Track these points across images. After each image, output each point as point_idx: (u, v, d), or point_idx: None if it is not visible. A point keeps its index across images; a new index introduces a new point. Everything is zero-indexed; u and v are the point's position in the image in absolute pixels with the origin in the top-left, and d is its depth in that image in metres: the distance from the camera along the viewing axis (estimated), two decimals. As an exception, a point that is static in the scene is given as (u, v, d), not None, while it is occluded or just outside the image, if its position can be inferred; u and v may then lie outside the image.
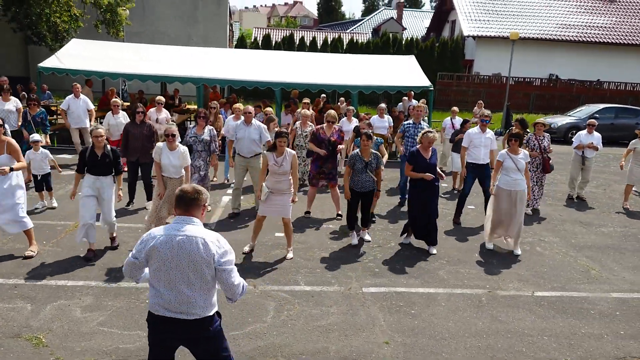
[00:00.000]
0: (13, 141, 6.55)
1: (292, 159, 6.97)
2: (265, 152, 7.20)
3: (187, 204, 3.33)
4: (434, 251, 7.53)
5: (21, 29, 17.23)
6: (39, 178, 8.60)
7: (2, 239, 7.17)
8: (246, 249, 7.22)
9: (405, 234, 7.86)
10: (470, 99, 26.26)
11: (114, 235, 7.16)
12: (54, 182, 9.41)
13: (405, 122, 9.62)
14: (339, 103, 17.64)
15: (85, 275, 6.22)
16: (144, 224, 7.29)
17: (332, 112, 9.24)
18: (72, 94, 11.96)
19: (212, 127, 8.87)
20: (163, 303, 3.31)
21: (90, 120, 12.13)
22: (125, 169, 9.15)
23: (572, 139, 10.96)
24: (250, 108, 9.00)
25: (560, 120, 20.38)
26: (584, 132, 10.73)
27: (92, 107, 12.24)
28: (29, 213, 7.20)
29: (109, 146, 6.79)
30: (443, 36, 33.81)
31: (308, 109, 11.63)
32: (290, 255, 7.15)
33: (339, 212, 8.98)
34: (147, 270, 3.47)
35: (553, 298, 6.21)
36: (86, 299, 5.65)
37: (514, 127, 9.44)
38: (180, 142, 8.97)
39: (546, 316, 5.74)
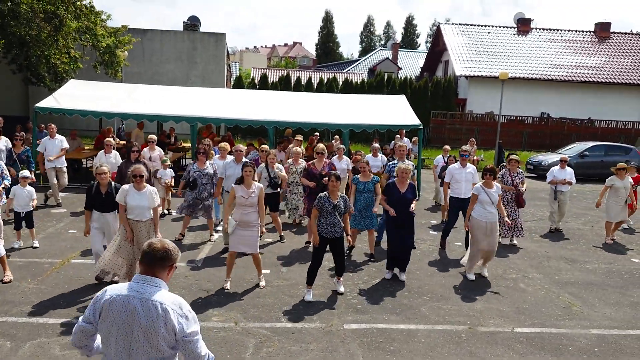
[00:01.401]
0: None
1: (259, 191, 7.12)
2: (233, 184, 7.31)
3: (153, 262, 2.95)
4: (404, 277, 7.87)
5: (20, 70, 17.63)
6: (22, 215, 8.59)
7: (-12, 276, 7.22)
8: (227, 286, 7.26)
9: (388, 270, 7.98)
10: (464, 137, 26.56)
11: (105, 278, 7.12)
12: (44, 220, 9.52)
13: (391, 163, 9.82)
14: (333, 141, 17.93)
15: (66, 313, 6.26)
16: (97, 263, 6.98)
17: (320, 145, 9.50)
18: (48, 135, 12.04)
19: (212, 161, 9.23)
20: None
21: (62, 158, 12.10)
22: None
23: (546, 175, 11.30)
24: (241, 146, 9.28)
25: (550, 158, 20.57)
26: (557, 167, 11.16)
27: (66, 145, 12.23)
28: (8, 252, 7.31)
29: (113, 184, 7.08)
30: (436, 76, 34.48)
31: (299, 146, 11.84)
32: (262, 283, 7.37)
33: (309, 240, 9.31)
34: (99, 338, 3.08)
35: (532, 334, 6.23)
36: (66, 337, 5.66)
37: (506, 164, 9.83)
38: (183, 178, 9.23)
39: (524, 352, 5.76)
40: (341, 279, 7.37)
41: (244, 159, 8.95)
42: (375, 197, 8.57)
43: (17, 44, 16.66)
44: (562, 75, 30.60)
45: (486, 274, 8.18)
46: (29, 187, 8.67)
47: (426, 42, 76.37)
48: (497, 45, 33.13)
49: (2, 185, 8.75)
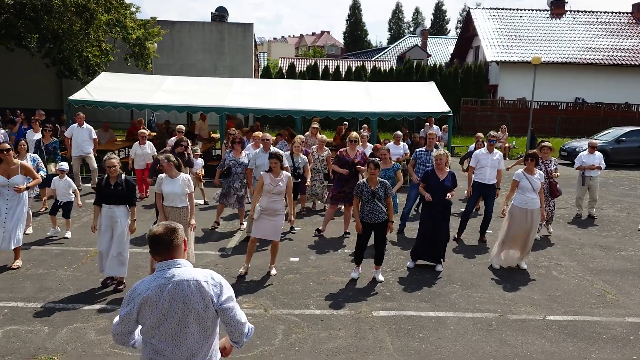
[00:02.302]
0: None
1: (287, 180, 7.21)
2: (262, 172, 7.40)
3: (165, 248, 2.96)
4: (440, 268, 7.71)
5: (54, 63, 18.05)
6: (60, 204, 8.89)
7: (27, 264, 7.46)
8: (241, 270, 7.34)
9: (412, 260, 7.91)
10: (495, 124, 26.07)
11: (120, 277, 6.84)
12: (80, 210, 9.75)
13: (418, 150, 9.78)
14: (361, 130, 17.85)
15: (101, 299, 6.42)
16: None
17: (354, 133, 9.55)
18: (77, 123, 12.35)
19: (248, 152, 9.32)
20: (158, 358, 2.98)
21: (94, 149, 12.45)
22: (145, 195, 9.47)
23: (575, 160, 11.11)
24: (268, 135, 9.33)
25: (585, 144, 20.04)
26: (585, 152, 10.92)
27: (95, 136, 12.56)
28: (45, 241, 7.52)
29: (123, 176, 6.82)
30: (467, 62, 33.89)
31: (315, 134, 11.83)
32: (273, 272, 7.44)
33: (347, 231, 9.35)
34: (138, 331, 3.11)
35: (565, 322, 6.12)
36: (101, 322, 5.82)
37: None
38: (219, 167, 9.35)
39: (556, 340, 5.66)
40: (379, 268, 7.36)
41: (272, 149, 8.99)
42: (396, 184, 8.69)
43: (51, 38, 17.05)
44: (597, 59, 29.71)
45: (524, 266, 7.87)
46: (66, 178, 8.94)
47: (456, 28, 75.06)
48: (530, 29, 32.34)
49: (41, 174, 9.00)
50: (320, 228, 9.38)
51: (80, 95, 14.58)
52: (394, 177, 8.84)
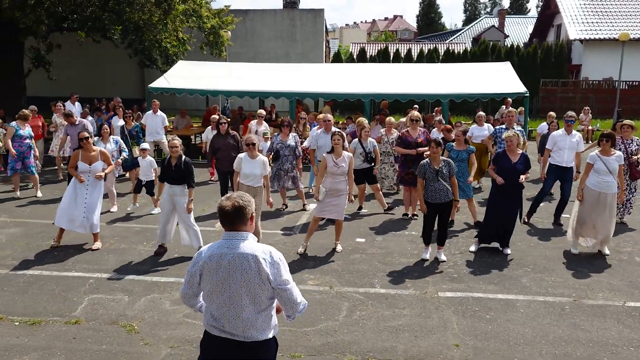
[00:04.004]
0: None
1: (349, 160, 7.27)
2: (324, 154, 7.46)
3: (231, 219, 3.07)
4: (509, 251, 7.46)
5: (136, 54, 18.99)
6: (143, 183, 9.49)
7: (110, 239, 7.99)
8: (300, 250, 7.46)
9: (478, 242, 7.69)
10: (577, 106, 24.65)
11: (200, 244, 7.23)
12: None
13: (498, 127, 9.62)
14: (433, 114, 17.49)
15: (176, 272, 6.76)
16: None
17: (415, 112, 9.40)
18: (152, 110, 12.96)
19: (295, 134, 9.44)
20: (217, 323, 3.12)
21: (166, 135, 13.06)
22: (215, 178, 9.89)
23: None
24: (329, 116, 9.37)
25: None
26: None
27: (167, 123, 13.24)
28: (127, 218, 7.97)
29: (183, 158, 7.17)
30: (547, 41, 32.19)
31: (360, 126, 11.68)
32: (339, 248, 7.53)
33: (415, 213, 9.27)
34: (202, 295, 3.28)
35: (647, 309, 5.77)
36: (176, 294, 6.14)
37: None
38: (268, 150, 9.58)
39: (636, 327, 5.35)
40: (442, 248, 7.28)
41: (334, 129, 9.01)
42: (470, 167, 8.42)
43: (133, 29, 17.90)
44: (695, 34, 27.27)
45: (607, 252, 7.42)
46: (149, 158, 9.49)
47: (537, 6, 71.36)
48: (617, 3, 30.14)
49: (121, 158, 9.62)
50: (406, 213, 9.34)
51: (159, 83, 15.28)
52: (467, 161, 8.54)
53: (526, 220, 8.84)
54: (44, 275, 6.63)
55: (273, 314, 3.19)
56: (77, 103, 15.36)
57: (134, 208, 9.53)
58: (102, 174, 7.54)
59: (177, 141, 7.23)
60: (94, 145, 7.87)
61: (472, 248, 7.64)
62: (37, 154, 11.11)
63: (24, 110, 11.00)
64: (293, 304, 3.11)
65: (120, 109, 12.54)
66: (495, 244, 7.63)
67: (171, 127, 15.22)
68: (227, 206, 3.05)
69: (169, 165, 7.15)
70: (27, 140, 10.46)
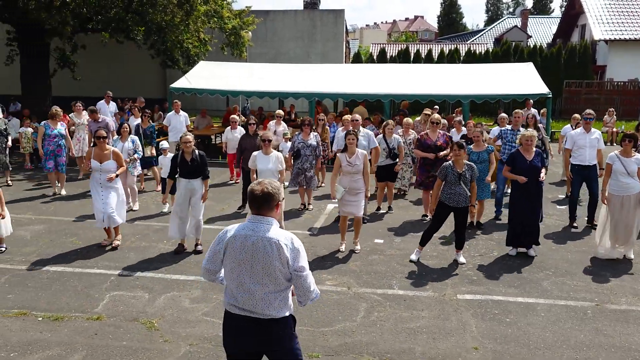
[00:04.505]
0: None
1: (363, 158, 7.26)
2: (338, 153, 7.49)
3: (258, 204, 3.25)
4: (533, 253, 7.35)
5: (158, 54, 19.20)
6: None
7: (131, 237, 8.10)
8: (342, 248, 7.52)
9: (512, 247, 7.53)
10: (602, 108, 24.25)
11: (199, 241, 7.53)
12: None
13: (503, 128, 9.59)
14: (453, 115, 17.35)
15: (196, 271, 6.81)
16: None
17: (435, 115, 9.34)
18: (174, 111, 13.10)
19: (316, 134, 9.46)
20: (236, 302, 3.31)
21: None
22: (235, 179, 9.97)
23: None
24: (357, 116, 9.38)
25: None
26: None
27: (188, 122, 13.43)
28: (148, 217, 8.04)
29: (197, 151, 7.33)
30: (571, 42, 31.70)
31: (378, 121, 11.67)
32: (358, 247, 7.54)
33: (425, 213, 9.19)
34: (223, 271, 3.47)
35: (672, 315, 5.64)
36: (195, 292, 6.20)
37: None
38: (289, 149, 9.64)
39: (660, 333, 5.24)
40: (461, 251, 7.22)
41: (352, 129, 9.01)
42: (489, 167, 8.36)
43: (155, 30, 18.11)
44: None
45: (632, 256, 7.26)
46: (169, 155, 9.56)
47: (561, 6, 70.32)
48: (644, 3, 29.57)
49: (134, 157, 9.72)
50: (425, 214, 9.23)
51: (180, 83, 15.42)
52: (487, 161, 8.48)
53: (575, 226, 8.76)
54: (66, 272, 6.76)
55: (289, 296, 3.38)
56: (111, 102, 15.62)
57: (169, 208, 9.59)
58: (113, 175, 7.46)
59: (190, 136, 7.40)
60: (113, 145, 7.99)
61: (511, 252, 7.44)
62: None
63: (54, 108, 11.10)
64: (306, 291, 3.29)
65: (136, 109, 12.76)
66: (522, 249, 7.49)
67: (192, 127, 15.37)
68: (257, 190, 3.24)
69: (184, 161, 7.27)
70: (57, 139, 10.67)
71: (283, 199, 6.92)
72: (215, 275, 3.47)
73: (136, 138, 9.91)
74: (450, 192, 6.92)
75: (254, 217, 3.29)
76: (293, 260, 3.21)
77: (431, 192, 8.79)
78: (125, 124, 9.82)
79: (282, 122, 12.39)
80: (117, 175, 7.59)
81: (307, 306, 5.65)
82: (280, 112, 12.58)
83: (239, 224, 3.38)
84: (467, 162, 7.10)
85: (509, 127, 9.45)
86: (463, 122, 12.10)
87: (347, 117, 10.45)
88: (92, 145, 7.71)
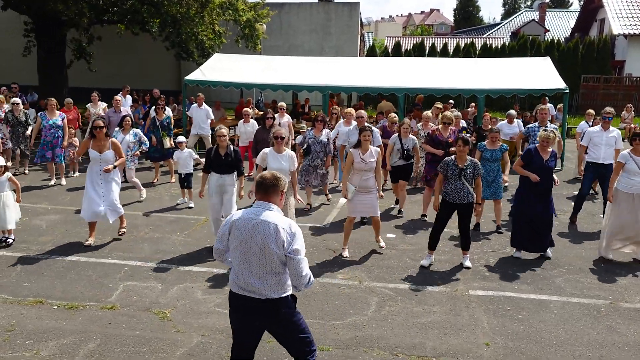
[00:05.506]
0: (115, 140, 7.76)
1: (377, 155, 7.05)
2: (350, 149, 7.25)
3: (266, 190, 3.56)
4: (550, 254, 7.18)
5: (173, 46, 19.29)
6: (182, 176, 9.52)
7: (145, 228, 8.17)
8: (345, 254, 7.17)
9: (515, 249, 7.31)
10: (620, 104, 23.91)
11: None
12: (196, 181, 10.43)
13: (531, 125, 9.36)
14: (468, 109, 17.22)
15: (209, 263, 6.86)
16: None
17: (447, 113, 9.19)
18: (196, 103, 13.12)
19: (329, 130, 9.34)
20: (239, 282, 3.57)
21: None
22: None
23: None
24: (363, 112, 9.27)
25: None
26: None
27: (212, 116, 13.32)
28: (161, 208, 8.12)
29: (231, 147, 7.22)
30: (589, 36, 31.25)
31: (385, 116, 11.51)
32: (382, 244, 7.44)
33: (424, 213, 9.04)
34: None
35: (687, 314, 5.57)
36: (207, 283, 6.25)
37: None
38: (300, 144, 9.58)
39: (675, 333, 5.18)
40: (467, 254, 6.91)
41: (366, 124, 8.90)
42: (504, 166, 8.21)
43: (170, 22, 18.21)
44: None
45: None
46: (186, 150, 9.61)
47: (579, 0, 69.32)
48: (666, -3, 29.03)
49: (140, 150, 9.79)
50: (423, 213, 9.10)
51: (195, 75, 15.47)
52: (501, 160, 8.29)
53: (571, 221, 8.69)
54: (81, 262, 6.85)
55: (287, 279, 3.57)
56: (128, 96, 15.74)
57: (183, 201, 9.63)
58: (110, 167, 7.30)
59: (225, 130, 7.22)
60: (113, 136, 7.96)
61: (515, 254, 7.21)
62: (78, 143, 11.38)
63: (49, 99, 11.10)
64: (298, 275, 3.46)
65: (160, 108, 12.80)
66: (526, 253, 7.29)
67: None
68: (267, 176, 3.60)
69: (218, 155, 7.13)
70: (53, 130, 10.65)
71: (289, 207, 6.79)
72: (224, 255, 3.73)
73: (138, 131, 9.91)
74: (451, 188, 6.70)
75: (259, 202, 3.57)
76: (289, 243, 3.44)
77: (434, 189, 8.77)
78: (127, 117, 9.75)
79: (285, 113, 12.30)
80: (115, 167, 7.42)
81: (318, 299, 5.75)
82: (283, 104, 12.48)
83: (245, 209, 3.65)
84: (472, 158, 6.87)
85: (536, 124, 9.29)
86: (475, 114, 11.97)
87: (349, 110, 10.30)
88: (90, 135, 7.50)
